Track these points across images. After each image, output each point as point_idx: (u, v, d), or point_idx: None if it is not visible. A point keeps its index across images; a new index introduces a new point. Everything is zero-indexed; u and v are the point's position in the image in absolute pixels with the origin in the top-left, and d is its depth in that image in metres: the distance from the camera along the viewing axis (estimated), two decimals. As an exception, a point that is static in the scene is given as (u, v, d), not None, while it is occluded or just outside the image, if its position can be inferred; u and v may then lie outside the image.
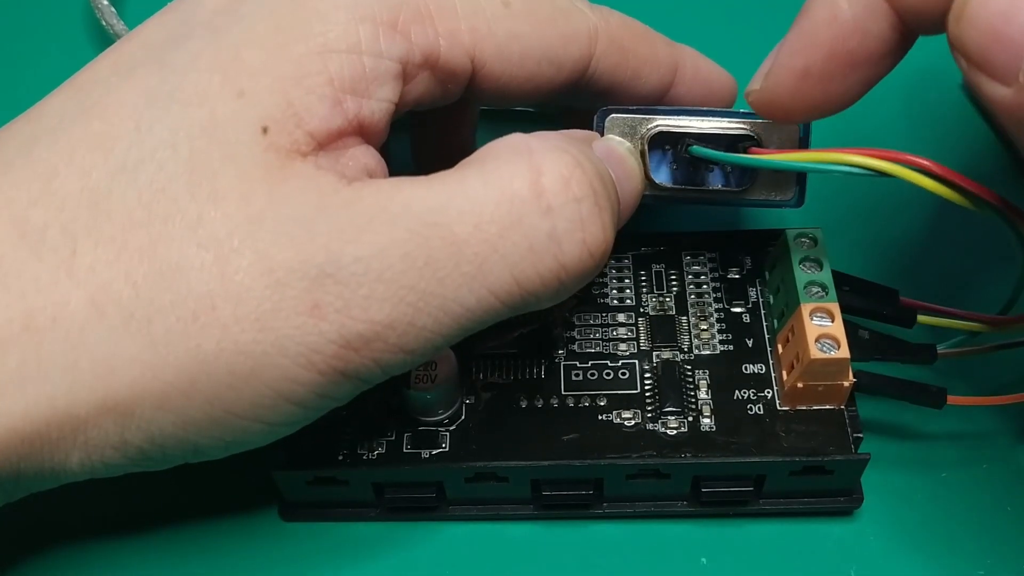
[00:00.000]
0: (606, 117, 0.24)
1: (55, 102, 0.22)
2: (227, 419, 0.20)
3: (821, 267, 0.25)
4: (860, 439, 0.25)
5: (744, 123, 0.24)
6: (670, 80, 0.26)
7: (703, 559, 0.25)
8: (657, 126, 0.24)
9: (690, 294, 0.28)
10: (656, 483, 0.25)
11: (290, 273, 0.19)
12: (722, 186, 0.25)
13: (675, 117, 0.24)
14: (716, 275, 0.28)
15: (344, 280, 0.19)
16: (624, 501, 0.26)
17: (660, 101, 0.26)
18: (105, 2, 0.36)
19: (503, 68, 0.23)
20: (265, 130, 0.20)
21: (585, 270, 0.21)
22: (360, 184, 0.20)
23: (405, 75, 0.21)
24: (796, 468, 0.24)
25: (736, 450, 0.24)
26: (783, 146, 0.24)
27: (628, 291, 0.28)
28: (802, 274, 0.25)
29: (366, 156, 0.21)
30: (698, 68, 0.27)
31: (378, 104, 0.21)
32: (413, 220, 0.19)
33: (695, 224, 0.30)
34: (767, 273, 0.27)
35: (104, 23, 0.36)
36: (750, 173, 0.25)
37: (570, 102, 0.26)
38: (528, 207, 0.20)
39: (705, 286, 0.28)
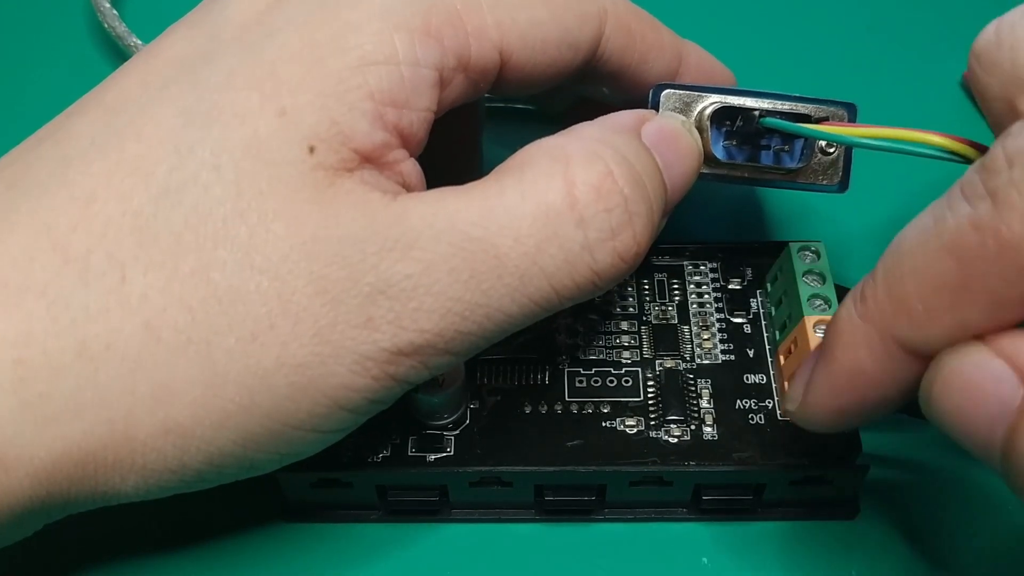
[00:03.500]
0: (661, 92, 0.25)
1: (84, 122, 0.21)
2: (285, 431, 0.20)
3: (824, 281, 0.26)
4: (859, 449, 0.25)
5: (799, 104, 0.24)
6: (675, 68, 0.26)
7: (704, 559, 0.26)
8: (717, 101, 0.24)
9: (692, 303, 0.28)
10: (658, 490, 0.25)
11: (344, 292, 0.19)
12: (777, 164, 0.25)
13: (729, 96, 0.24)
14: (718, 285, 0.28)
15: (395, 296, 0.20)
16: (625, 507, 0.26)
17: None
18: (107, 5, 0.36)
19: (528, 57, 0.23)
20: (312, 149, 0.20)
21: (618, 274, 0.21)
22: (405, 198, 0.20)
23: (441, 81, 0.21)
24: (796, 477, 0.25)
25: (738, 459, 0.25)
26: None
27: (631, 299, 0.28)
28: (806, 287, 0.26)
29: (407, 166, 0.21)
30: (701, 60, 0.27)
31: (417, 114, 0.21)
32: (457, 235, 0.20)
33: (697, 235, 0.30)
34: (768, 285, 0.28)
35: (107, 26, 0.36)
36: (804, 155, 0.25)
37: (577, 89, 0.26)
38: (563, 219, 0.20)
39: (707, 296, 0.28)
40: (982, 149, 0.22)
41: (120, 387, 0.19)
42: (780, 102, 0.24)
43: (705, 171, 0.25)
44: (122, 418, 0.20)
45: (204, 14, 0.22)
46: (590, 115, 0.24)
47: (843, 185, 0.26)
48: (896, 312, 0.19)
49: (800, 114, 0.24)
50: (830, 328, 0.20)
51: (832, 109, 0.25)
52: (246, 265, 0.19)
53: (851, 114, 0.25)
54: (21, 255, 0.20)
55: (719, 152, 0.25)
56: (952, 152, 0.22)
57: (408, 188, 0.21)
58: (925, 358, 0.19)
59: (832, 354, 0.20)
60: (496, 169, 0.21)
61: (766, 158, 0.25)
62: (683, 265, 0.29)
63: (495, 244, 0.20)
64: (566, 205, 0.20)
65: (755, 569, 0.25)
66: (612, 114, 0.23)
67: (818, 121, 0.24)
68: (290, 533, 0.26)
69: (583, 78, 0.25)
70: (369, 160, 0.20)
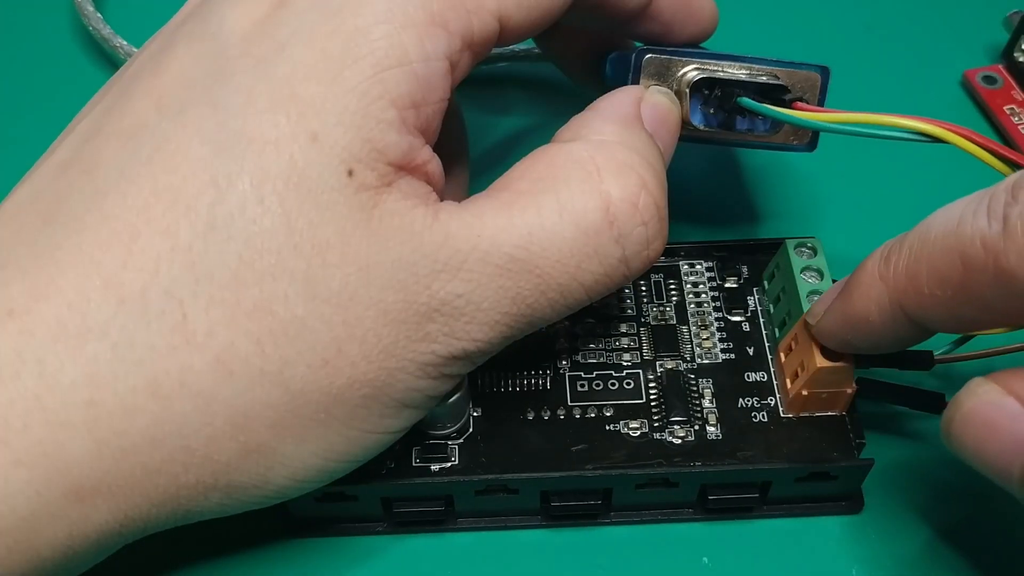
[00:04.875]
0: (643, 57, 0.25)
1: (107, 149, 0.21)
2: (360, 437, 0.21)
3: (822, 277, 0.26)
4: (863, 444, 0.25)
5: (776, 68, 0.25)
6: None
7: (704, 558, 0.26)
8: (697, 68, 0.25)
9: (689, 303, 0.28)
10: (663, 491, 0.25)
11: (402, 312, 0.20)
12: (750, 130, 0.26)
13: (707, 61, 0.25)
14: (714, 284, 0.28)
15: (448, 312, 0.21)
16: (631, 510, 0.26)
17: (644, 13, 0.26)
18: (91, 8, 0.36)
19: (525, 15, 0.22)
20: (351, 173, 0.20)
21: (644, 270, 0.23)
22: (446, 217, 0.21)
23: (451, 67, 0.21)
24: (802, 474, 0.25)
25: (743, 457, 0.25)
26: (805, 91, 0.25)
27: (628, 301, 0.28)
28: (804, 284, 0.26)
29: (432, 165, 0.21)
30: None
31: (432, 107, 0.21)
32: (502, 257, 0.21)
33: (691, 235, 0.30)
34: (766, 282, 0.28)
35: (91, 29, 0.36)
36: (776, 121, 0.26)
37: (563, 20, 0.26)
38: (602, 238, 0.21)
39: (704, 295, 0.28)
40: (958, 131, 0.22)
41: (198, 420, 0.20)
42: (757, 65, 0.25)
43: (682, 134, 0.25)
44: (202, 445, 0.20)
45: (200, 23, 0.22)
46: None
47: (812, 144, 0.27)
48: (907, 287, 0.21)
49: (777, 84, 0.25)
50: (855, 273, 0.22)
51: (807, 72, 0.25)
52: (308, 296, 0.20)
53: (824, 77, 0.25)
54: (76, 296, 0.20)
55: (697, 119, 0.26)
56: (926, 135, 0.23)
57: (434, 184, 0.21)
58: (925, 329, 0.21)
59: (849, 296, 0.22)
60: (520, 173, 0.22)
61: (740, 124, 0.26)
62: (679, 265, 0.29)
63: (538, 265, 0.21)
64: (605, 224, 0.21)
65: (756, 568, 0.26)
66: (610, 99, 0.24)
67: (794, 91, 0.25)
68: (295, 548, 0.26)
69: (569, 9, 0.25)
70: (402, 168, 0.21)
